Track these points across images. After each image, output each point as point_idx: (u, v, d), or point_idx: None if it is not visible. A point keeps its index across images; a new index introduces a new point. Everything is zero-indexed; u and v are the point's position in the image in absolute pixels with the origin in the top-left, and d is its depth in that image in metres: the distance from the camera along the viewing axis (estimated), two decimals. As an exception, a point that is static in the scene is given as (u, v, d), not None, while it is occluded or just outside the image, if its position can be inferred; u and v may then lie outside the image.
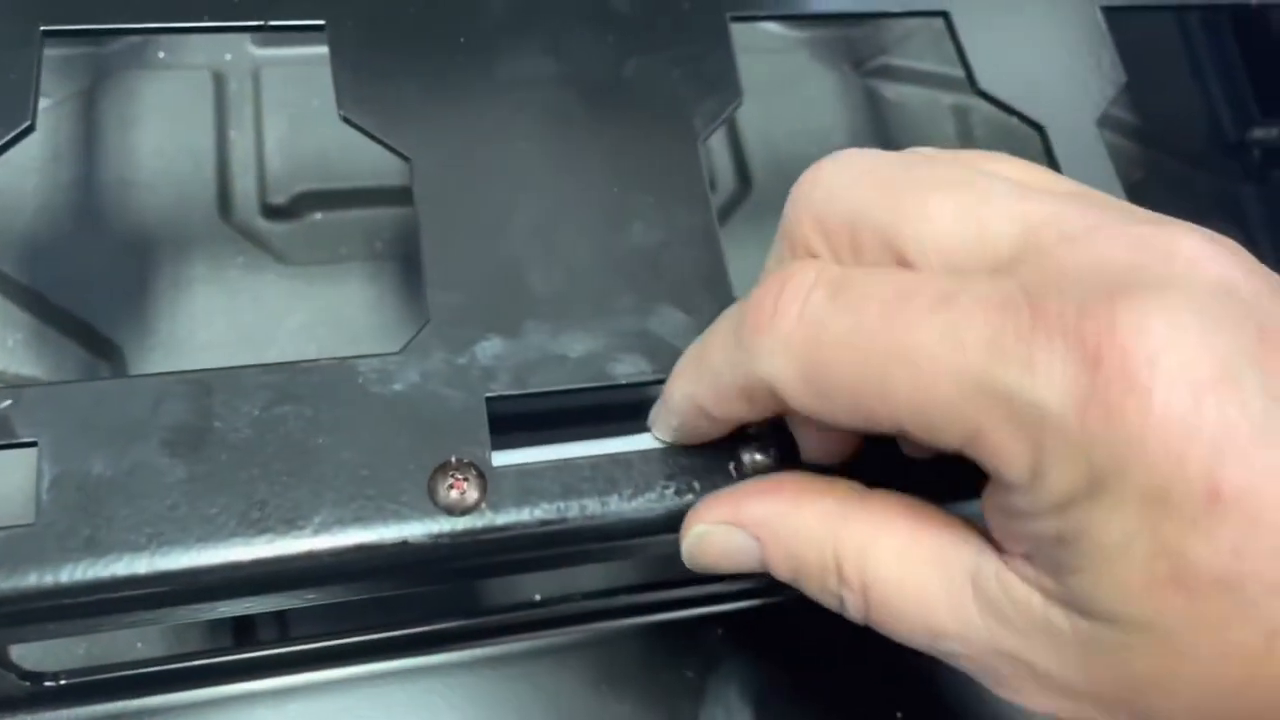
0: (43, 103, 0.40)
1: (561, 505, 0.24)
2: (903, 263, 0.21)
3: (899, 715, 0.32)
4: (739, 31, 0.31)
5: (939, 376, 0.19)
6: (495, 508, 0.24)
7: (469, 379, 0.25)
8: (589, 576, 0.34)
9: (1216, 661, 0.18)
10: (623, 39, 0.30)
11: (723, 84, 0.30)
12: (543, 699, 0.30)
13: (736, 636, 0.32)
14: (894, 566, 0.21)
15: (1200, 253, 0.19)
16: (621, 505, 0.24)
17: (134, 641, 0.33)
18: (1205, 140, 0.48)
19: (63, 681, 0.27)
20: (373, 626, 0.30)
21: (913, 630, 0.21)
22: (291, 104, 0.42)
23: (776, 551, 0.23)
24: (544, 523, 0.24)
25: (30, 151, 0.40)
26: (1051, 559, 0.19)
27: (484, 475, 0.24)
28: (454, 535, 0.23)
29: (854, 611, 0.22)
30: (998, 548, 0.20)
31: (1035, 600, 0.19)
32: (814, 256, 0.22)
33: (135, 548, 0.22)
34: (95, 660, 0.30)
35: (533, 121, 0.28)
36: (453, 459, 0.24)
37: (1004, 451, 0.18)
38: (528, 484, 0.24)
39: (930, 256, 0.20)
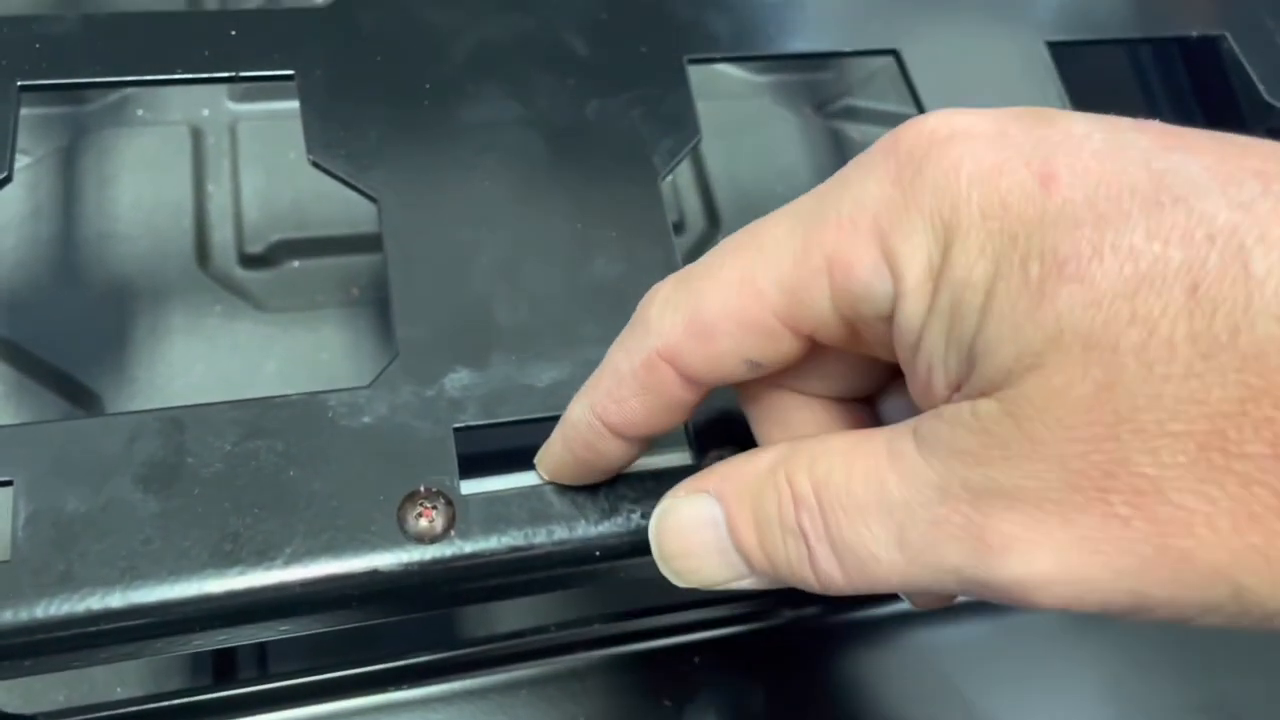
0: (23, 160, 0.41)
1: (530, 531, 0.25)
2: None
3: (877, 738, 0.32)
4: (703, 77, 0.32)
5: (780, 239, 0.20)
6: (464, 535, 0.24)
7: (437, 410, 0.25)
8: (564, 607, 0.34)
9: (1152, 344, 0.16)
10: (583, 82, 0.31)
11: (681, 123, 0.31)
12: (521, 731, 0.30)
13: (713, 664, 0.32)
14: (842, 459, 0.20)
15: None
16: (589, 530, 0.25)
17: (113, 685, 0.33)
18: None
19: (40, 724, 0.28)
20: (350, 662, 0.30)
21: (869, 523, 0.19)
22: (267, 157, 0.43)
23: (737, 505, 0.22)
24: (513, 549, 0.24)
25: (10, 209, 0.40)
26: (957, 357, 0.18)
27: (452, 504, 0.24)
28: (423, 563, 0.24)
29: (817, 539, 0.20)
30: None
31: (964, 408, 0.18)
32: None
33: (109, 582, 0.22)
34: (75, 704, 0.30)
35: (497, 162, 0.29)
36: (421, 488, 0.24)
37: (857, 261, 0.19)
38: (496, 511, 0.25)
39: None
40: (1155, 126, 0.18)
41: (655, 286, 0.22)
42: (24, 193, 0.41)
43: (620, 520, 0.25)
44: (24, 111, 0.43)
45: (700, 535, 0.22)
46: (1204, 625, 0.17)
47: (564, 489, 0.25)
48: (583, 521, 0.25)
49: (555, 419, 0.26)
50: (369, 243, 0.42)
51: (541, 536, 0.25)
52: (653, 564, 0.25)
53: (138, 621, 0.23)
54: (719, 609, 0.33)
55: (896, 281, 0.19)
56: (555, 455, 0.25)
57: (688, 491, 0.23)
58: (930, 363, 0.19)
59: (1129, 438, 0.16)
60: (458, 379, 0.26)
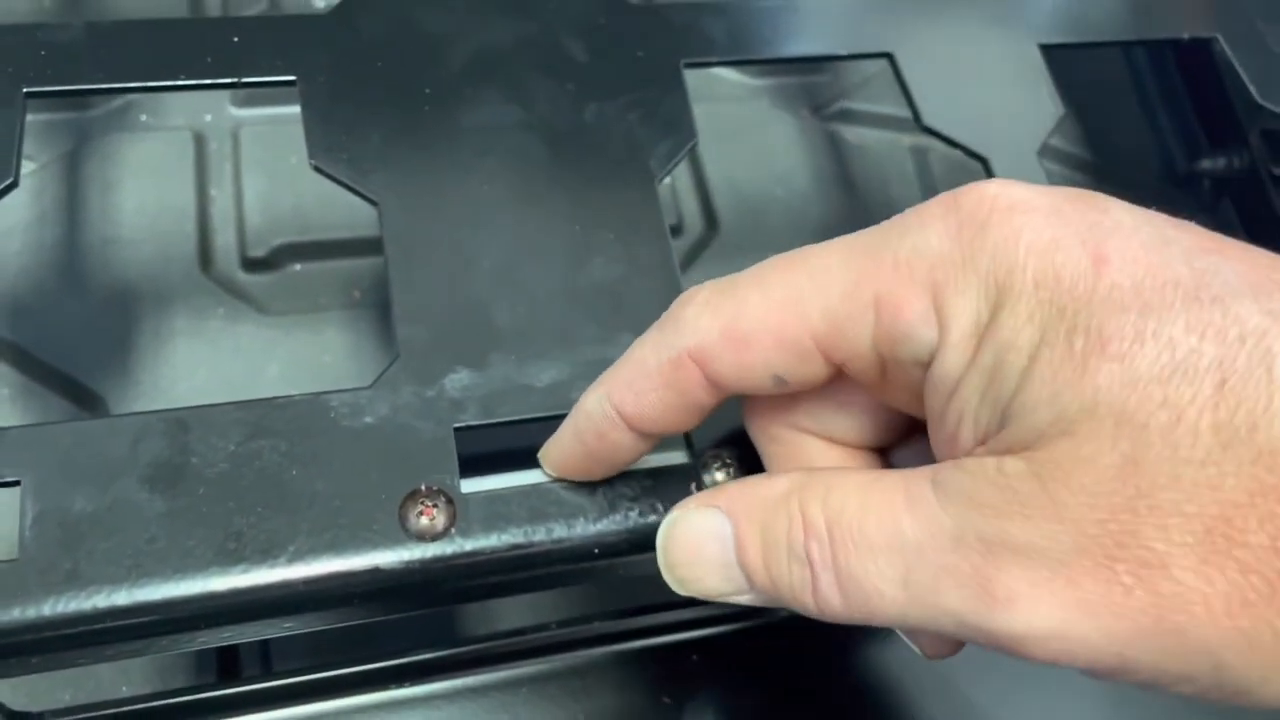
0: (28, 166, 0.41)
1: (529, 529, 0.25)
2: None
3: (875, 737, 0.32)
4: (700, 81, 0.32)
5: (833, 269, 0.21)
6: (464, 533, 0.25)
7: (438, 410, 0.26)
8: (565, 605, 0.34)
9: (1178, 429, 0.17)
10: (581, 86, 0.31)
11: (678, 126, 0.31)
12: (522, 729, 0.31)
13: (713, 662, 0.33)
14: (858, 495, 0.21)
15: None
16: (588, 528, 0.25)
17: (119, 684, 0.33)
18: (1155, 172, 0.49)
19: (46, 721, 0.28)
20: (353, 659, 0.30)
21: (878, 560, 0.20)
22: (270, 161, 0.44)
23: (747, 525, 0.22)
24: (513, 547, 0.25)
25: (15, 214, 0.41)
26: (990, 413, 0.19)
27: (453, 502, 0.25)
28: (425, 561, 0.24)
29: (822, 567, 0.21)
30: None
31: (989, 463, 0.19)
32: None
33: (115, 580, 0.23)
34: (80, 702, 0.30)
35: (496, 165, 0.30)
36: (422, 487, 0.25)
37: (908, 308, 0.20)
38: (496, 509, 0.25)
39: None
40: (1193, 228, 0.19)
41: (692, 290, 0.23)
42: (29, 198, 0.41)
43: (619, 518, 0.25)
44: (29, 118, 0.43)
45: (706, 548, 0.23)
46: (1175, 692, 0.18)
47: (564, 488, 0.25)
48: (582, 519, 0.25)
49: (555, 418, 0.26)
50: (370, 246, 0.43)
51: (541, 534, 0.25)
52: (651, 562, 0.26)
53: (143, 619, 0.23)
54: (718, 607, 0.33)
55: (943, 332, 0.20)
56: (563, 446, 0.25)
57: (699, 505, 0.23)
58: (961, 414, 0.20)
59: (1145, 512, 0.17)
60: (458, 379, 0.26)
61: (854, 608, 0.21)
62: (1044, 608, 0.18)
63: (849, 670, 0.34)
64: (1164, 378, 0.17)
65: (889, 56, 0.34)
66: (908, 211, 0.21)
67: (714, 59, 0.33)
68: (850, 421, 0.24)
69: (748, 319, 0.21)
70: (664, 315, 0.23)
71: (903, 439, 0.25)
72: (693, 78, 0.32)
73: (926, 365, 0.20)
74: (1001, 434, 0.19)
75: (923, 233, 0.20)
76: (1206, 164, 0.48)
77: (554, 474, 0.25)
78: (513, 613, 0.35)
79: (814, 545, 0.21)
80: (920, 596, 0.20)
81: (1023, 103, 0.34)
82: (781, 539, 0.21)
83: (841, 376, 0.22)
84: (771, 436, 0.25)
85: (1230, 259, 0.18)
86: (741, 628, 0.33)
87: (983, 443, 0.20)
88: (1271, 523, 0.16)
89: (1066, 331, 0.18)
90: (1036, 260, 0.19)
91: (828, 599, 0.21)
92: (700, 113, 0.32)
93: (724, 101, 0.49)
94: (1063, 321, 0.18)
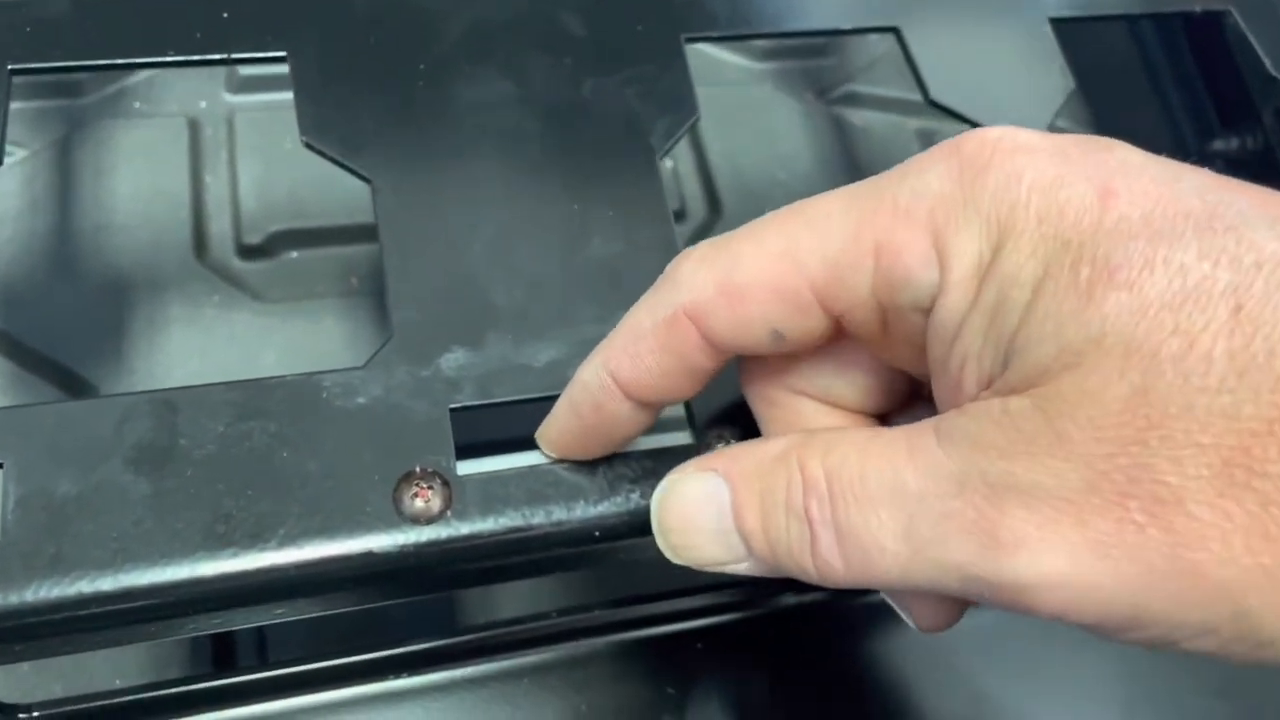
0: (19, 153, 0.41)
1: (527, 512, 0.24)
2: None
3: (882, 724, 0.32)
4: (704, 64, 0.31)
5: (831, 216, 0.20)
6: (460, 516, 0.24)
7: (433, 391, 0.25)
8: (566, 593, 0.33)
9: (1191, 357, 0.16)
10: (580, 61, 0.30)
11: (679, 102, 0.31)
12: (523, 719, 0.30)
13: (717, 651, 0.32)
14: (858, 449, 0.20)
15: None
16: (587, 510, 0.25)
17: (112, 677, 0.32)
18: (1166, 154, 0.48)
19: (36, 714, 0.27)
20: (350, 649, 0.30)
21: (880, 513, 0.19)
22: (265, 147, 0.43)
23: (745, 488, 0.22)
24: (510, 530, 0.24)
25: (7, 202, 0.40)
26: (993, 352, 0.19)
27: (449, 484, 0.24)
28: (419, 545, 0.24)
29: (822, 525, 0.20)
30: None
31: (994, 404, 0.18)
32: None
33: (101, 565, 0.22)
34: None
35: (493, 142, 0.29)
36: (417, 469, 0.24)
37: (908, 250, 0.19)
38: (493, 491, 0.24)
39: None
40: (1204, 171, 0.19)
41: (686, 250, 0.22)
42: (20, 186, 0.41)
43: (619, 500, 0.25)
44: (20, 105, 0.43)
45: (702, 513, 0.22)
46: (1192, 649, 0.17)
47: (563, 469, 0.25)
48: (581, 502, 0.25)
49: (552, 398, 0.25)
50: (367, 233, 0.42)
51: (539, 517, 0.24)
52: (652, 545, 0.25)
53: (130, 604, 0.22)
54: (722, 594, 0.33)
55: (944, 273, 0.19)
56: (559, 422, 0.24)
57: (695, 469, 0.23)
58: (964, 358, 0.19)
59: (1156, 444, 0.16)
60: (454, 359, 0.26)
61: (854, 567, 0.20)
62: (1052, 551, 0.17)
63: (854, 660, 0.33)
64: (1175, 304, 0.16)
65: (895, 31, 0.33)
66: (909, 159, 0.21)
67: (716, 33, 0.32)
68: (850, 383, 0.24)
69: (743, 271, 0.21)
70: (661, 276, 0.23)
71: (904, 405, 0.24)
72: (695, 61, 0.31)
73: (928, 312, 0.20)
74: (1006, 374, 0.18)
75: (922, 176, 0.20)
76: (1219, 144, 0.47)
77: (551, 453, 0.25)
78: (513, 601, 0.35)
79: (813, 502, 0.20)
80: (922, 550, 0.19)
81: (1032, 77, 0.34)
82: (780, 499, 0.21)
83: (841, 335, 0.22)
84: (769, 400, 0.24)
85: (1243, 193, 0.18)
86: (746, 616, 0.33)
87: (987, 386, 0.19)
88: None
89: (1071, 263, 0.17)
90: (1040, 197, 0.18)
91: (828, 561, 0.20)
92: (703, 96, 0.31)
93: (727, 85, 0.48)
94: (1067, 254, 0.17)
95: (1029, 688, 0.33)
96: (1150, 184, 0.18)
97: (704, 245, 0.22)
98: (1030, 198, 0.18)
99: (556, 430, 0.24)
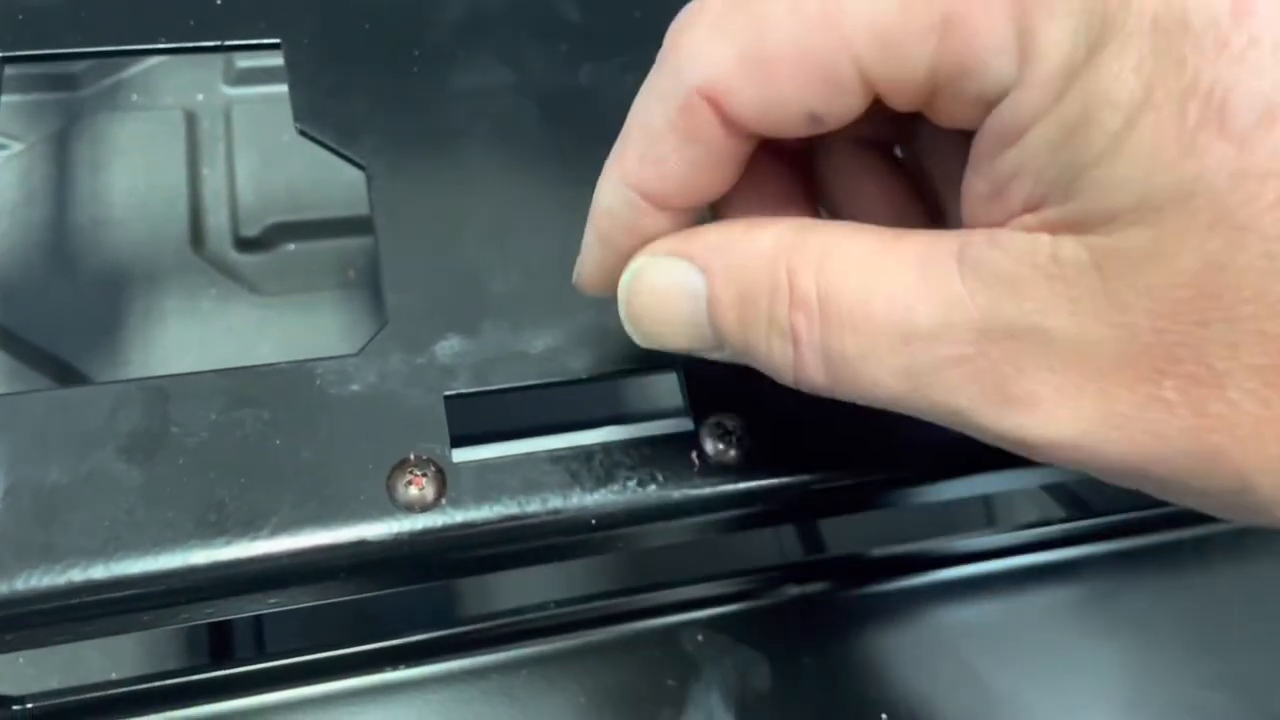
0: (16, 146, 0.40)
1: (523, 500, 0.24)
2: None
3: (883, 717, 0.31)
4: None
5: None
6: (456, 504, 0.24)
7: (428, 378, 0.25)
8: (565, 584, 0.33)
9: (1279, 238, 0.14)
10: (576, 47, 0.30)
11: (677, 88, 0.30)
12: (521, 712, 0.30)
13: (717, 642, 0.32)
14: (860, 268, 0.18)
15: None
16: (584, 498, 0.24)
17: (108, 670, 0.32)
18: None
19: (30, 705, 0.27)
20: (347, 640, 0.29)
21: (879, 346, 0.17)
22: (262, 139, 0.43)
23: (723, 285, 0.19)
24: (506, 518, 0.24)
25: (3, 195, 0.40)
26: (1058, 175, 0.16)
27: (443, 472, 0.24)
28: (414, 533, 0.23)
29: (809, 346, 0.18)
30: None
31: (1041, 240, 0.16)
32: None
33: (92, 553, 0.22)
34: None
35: (489, 129, 0.29)
36: (412, 456, 0.24)
37: (984, 29, 0.16)
38: (488, 479, 0.24)
39: None
40: None
41: (692, 7, 0.18)
42: (17, 179, 0.40)
43: (617, 488, 0.24)
44: (17, 98, 0.43)
45: (675, 303, 0.20)
46: (1183, 504, 0.17)
47: (557, 456, 0.24)
48: (578, 489, 0.24)
49: (550, 385, 0.25)
50: (365, 225, 0.42)
51: (536, 505, 0.24)
52: (649, 534, 0.25)
53: (121, 594, 0.22)
54: (724, 585, 0.32)
55: (1024, 67, 0.16)
56: (594, 259, 0.21)
57: (669, 252, 0.20)
58: (1019, 168, 0.16)
59: (1218, 326, 0.15)
60: (449, 346, 0.25)
61: (841, 389, 0.18)
62: (1067, 418, 0.16)
63: (857, 651, 0.33)
64: None
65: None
66: None
67: (713, 19, 0.32)
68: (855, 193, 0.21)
69: (773, 41, 0.17)
70: (661, 52, 0.19)
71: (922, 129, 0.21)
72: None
73: (992, 102, 0.16)
74: (1066, 204, 0.16)
75: None
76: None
77: (596, 292, 0.22)
78: (511, 592, 0.34)
79: (800, 319, 0.18)
80: (922, 389, 0.17)
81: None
82: (763, 307, 0.18)
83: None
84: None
85: None
86: (748, 607, 0.32)
87: (1033, 209, 0.16)
88: None
89: (1181, 93, 0.14)
90: None
91: (811, 376, 0.18)
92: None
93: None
94: (1180, 77, 0.14)
95: (1034, 679, 0.33)
96: None
97: (711, 5, 0.18)
98: None
99: (593, 269, 0.22)
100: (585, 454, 0.25)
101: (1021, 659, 0.33)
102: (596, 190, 0.21)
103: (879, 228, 0.18)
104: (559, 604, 0.31)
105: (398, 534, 0.23)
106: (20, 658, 0.32)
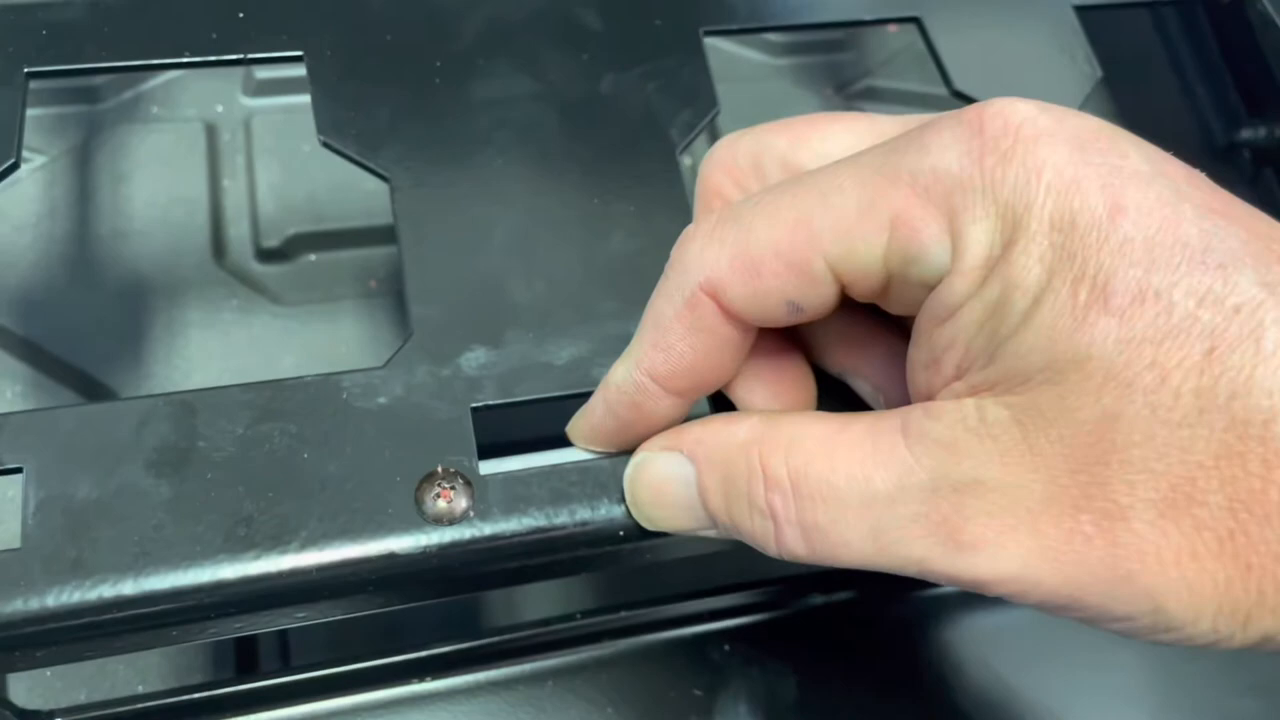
0: (38, 159, 0.41)
1: (551, 512, 0.24)
2: None
3: (913, 726, 0.31)
4: (722, 61, 0.31)
5: (845, 189, 0.20)
6: (484, 516, 0.24)
7: (454, 390, 0.25)
8: (591, 595, 0.33)
9: (1161, 391, 0.17)
10: (597, 56, 0.30)
11: (698, 96, 0.30)
12: (548, 723, 0.30)
13: (744, 652, 0.32)
14: (823, 450, 0.21)
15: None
16: (612, 510, 0.24)
17: (135, 683, 0.32)
18: (1193, 145, 0.48)
19: (58, 720, 0.27)
20: (374, 653, 0.29)
21: (846, 514, 0.20)
22: (283, 150, 0.43)
23: (708, 471, 0.22)
24: (534, 530, 0.24)
25: (26, 208, 0.40)
26: (982, 344, 0.19)
27: (471, 484, 0.24)
28: (442, 546, 0.23)
29: (786, 521, 0.21)
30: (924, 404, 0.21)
31: (968, 406, 0.19)
32: (726, 201, 0.24)
33: (121, 569, 0.22)
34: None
35: (511, 138, 0.29)
36: (439, 469, 0.24)
37: (923, 229, 0.19)
38: (516, 491, 0.24)
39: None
40: (1202, 181, 0.19)
41: (691, 226, 0.22)
42: (39, 191, 0.41)
43: (641, 498, 0.24)
44: (39, 111, 0.43)
45: (671, 490, 0.23)
46: (1111, 630, 0.19)
47: (586, 467, 0.24)
48: (605, 501, 0.24)
49: (575, 396, 0.25)
50: (386, 235, 0.42)
51: (564, 517, 0.24)
52: (678, 545, 0.25)
53: (150, 609, 0.22)
54: (749, 595, 0.32)
55: (955, 258, 0.19)
56: (595, 421, 0.24)
57: (662, 447, 0.23)
58: (953, 340, 0.20)
59: (1116, 466, 0.18)
60: (474, 358, 0.25)
61: (817, 555, 0.21)
62: (1008, 554, 0.19)
63: (883, 659, 0.32)
64: (1157, 339, 0.17)
65: (917, 20, 0.33)
66: (926, 126, 0.20)
67: (735, 26, 0.31)
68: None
69: (757, 245, 0.21)
70: (669, 264, 0.23)
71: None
72: (714, 57, 0.31)
73: (930, 288, 0.20)
74: (988, 369, 0.19)
75: (943, 154, 0.20)
76: (1246, 134, 0.46)
77: (584, 447, 0.25)
78: (538, 603, 0.34)
79: (777, 499, 0.21)
80: (887, 546, 0.20)
81: (1058, 66, 0.33)
82: (743, 489, 0.22)
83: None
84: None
85: (1235, 223, 0.18)
86: (773, 617, 0.32)
87: (961, 376, 0.20)
88: (1231, 485, 0.17)
89: (1074, 279, 0.18)
90: (1055, 200, 0.18)
91: (791, 548, 0.21)
92: (722, 92, 0.30)
93: (746, 81, 0.48)
94: (1071, 268, 0.18)
95: (1061, 687, 0.32)
96: (1156, 203, 0.18)
97: (712, 220, 0.22)
98: (1047, 200, 0.18)
99: (591, 429, 0.24)
100: (613, 465, 0.25)
101: (1051, 666, 0.32)
102: (612, 369, 0.24)
103: (831, 415, 0.22)
104: (585, 615, 0.31)
105: (426, 547, 0.23)
106: (48, 671, 0.32)
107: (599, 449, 0.25)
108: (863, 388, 0.25)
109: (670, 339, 0.22)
